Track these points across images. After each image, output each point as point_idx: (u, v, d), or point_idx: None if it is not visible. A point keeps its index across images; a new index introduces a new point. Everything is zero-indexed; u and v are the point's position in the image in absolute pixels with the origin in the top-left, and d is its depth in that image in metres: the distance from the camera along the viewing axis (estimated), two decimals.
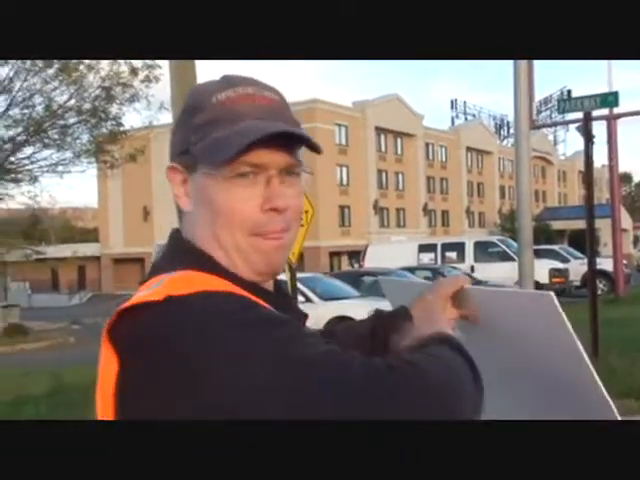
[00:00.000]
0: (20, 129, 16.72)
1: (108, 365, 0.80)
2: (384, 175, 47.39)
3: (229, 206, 0.87)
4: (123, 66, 16.38)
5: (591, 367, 0.89)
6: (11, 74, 15.77)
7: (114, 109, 17.33)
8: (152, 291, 0.80)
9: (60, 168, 17.76)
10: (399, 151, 49.20)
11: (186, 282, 0.81)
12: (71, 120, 17.25)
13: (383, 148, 47.58)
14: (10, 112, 16.35)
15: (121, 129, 17.92)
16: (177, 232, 0.94)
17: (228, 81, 0.92)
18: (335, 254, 41.92)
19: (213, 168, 0.86)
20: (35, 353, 14.97)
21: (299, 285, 13.23)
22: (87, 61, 15.88)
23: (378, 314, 1.11)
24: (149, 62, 16.22)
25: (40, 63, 15.60)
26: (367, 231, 43.24)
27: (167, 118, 11.65)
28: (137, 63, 16.47)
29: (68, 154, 17.65)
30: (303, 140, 0.89)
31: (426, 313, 1.01)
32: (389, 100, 47.02)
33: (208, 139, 0.87)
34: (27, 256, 22.22)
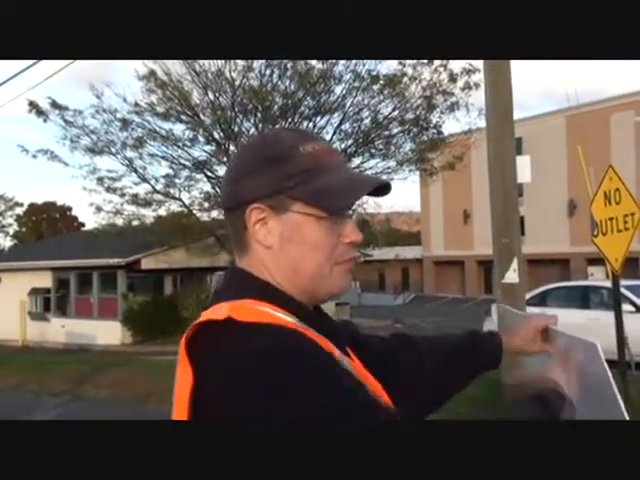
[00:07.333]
0: (351, 141, 18.22)
1: (184, 373, 0.90)
2: None
3: (322, 241, 1.01)
4: (443, 74, 16.73)
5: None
6: (344, 92, 17.27)
7: (435, 117, 17.84)
8: (217, 313, 0.92)
9: (384, 176, 18.86)
10: None
11: (245, 310, 0.93)
12: (394, 130, 18.23)
13: None
14: (342, 127, 17.95)
15: (441, 137, 18.36)
16: (236, 266, 1.07)
17: (303, 134, 1.06)
18: None
19: (320, 210, 1.00)
20: None
21: (627, 293, 12.11)
22: (410, 72, 16.57)
23: (473, 333, 1.38)
24: (468, 67, 16.32)
25: (367, 80, 16.79)
26: None
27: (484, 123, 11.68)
28: (456, 69, 16.70)
29: (392, 162, 18.70)
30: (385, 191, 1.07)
31: (515, 341, 1.34)
32: None
33: (312, 185, 1.00)
34: (357, 258, 24.01)
